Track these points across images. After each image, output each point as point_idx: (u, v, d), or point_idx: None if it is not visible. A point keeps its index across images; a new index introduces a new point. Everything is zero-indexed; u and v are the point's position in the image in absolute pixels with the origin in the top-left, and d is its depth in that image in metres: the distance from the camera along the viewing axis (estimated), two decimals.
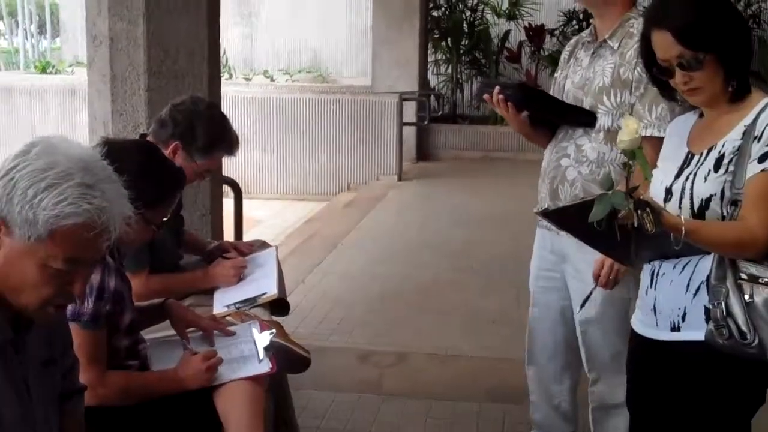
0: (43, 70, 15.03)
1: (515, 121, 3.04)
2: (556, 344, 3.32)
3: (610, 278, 2.85)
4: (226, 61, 14.04)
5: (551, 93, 3.19)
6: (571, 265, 3.09)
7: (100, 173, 1.71)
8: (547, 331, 3.32)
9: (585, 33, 3.18)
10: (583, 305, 2.93)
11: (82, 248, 1.69)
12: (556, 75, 3.25)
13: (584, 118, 3.00)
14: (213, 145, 3.32)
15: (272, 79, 14.65)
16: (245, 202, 5.52)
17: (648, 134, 2.78)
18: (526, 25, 13.95)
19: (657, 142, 2.61)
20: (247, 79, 14.16)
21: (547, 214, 2.49)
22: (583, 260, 2.93)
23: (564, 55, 3.23)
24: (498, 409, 4.12)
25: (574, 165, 3.03)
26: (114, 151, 2.40)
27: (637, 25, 2.87)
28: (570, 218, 2.32)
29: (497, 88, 3.00)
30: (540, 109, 3.07)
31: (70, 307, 2.28)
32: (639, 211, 2.05)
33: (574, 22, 13.73)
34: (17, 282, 1.70)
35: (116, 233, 1.71)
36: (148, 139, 3.30)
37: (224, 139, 3.37)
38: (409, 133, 11.71)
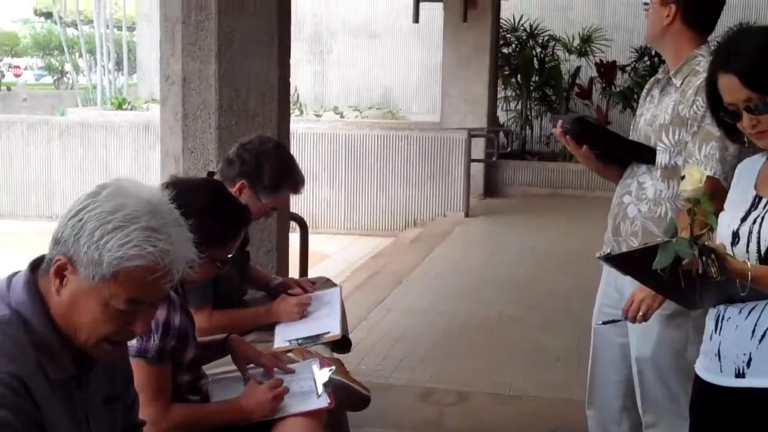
0: (119, 107, 15.45)
1: (580, 155, 3.03)
2: (616, 383, 3.28)
3: (639, 314, 2.82)
4: (297, 98, 14.26)
5: (631, 130, 3.19)
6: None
7: (167, 216, 1.75)
8: (607, 369, 3.28)
9: (661, 74, 3.17)
10: (606, 323, 2.90)
11: (145, 290, 1.73)
12: (638, 113, 3.26)
13: (646, 155, 2.99)
14: (279, 184, 3.39)
15: (342, 116, 14.84)
16: (312, 237, 5.59)
17: None
18: (597, 61, 13.91)
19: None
20: (318, 116, 14.36)
21: (609, 259, 2.48)
22: None
23: (643, 93, 3.22)
24: None
25: (635, 202, 3.01)
26: (182, 189, 2.49)
27: (704, 63, 2.86)
28: (633, 264, 2.31)
29: (559, 122, 3.00)
30: (599, 144, 3.06)
31: (135, 344, 2.36)
32: (704, 258, 2.04)
33: (646, 58, 13.64)
34: (80, 319, 1.75)
35: (179, 275, 1.75)
36: (215, 177, 3.38)
37: (290, 178, 3.43)
38: (477, 169, 11.72)
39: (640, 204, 3.00)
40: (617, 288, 3.14)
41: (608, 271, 3.20)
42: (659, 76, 3.13)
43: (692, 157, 2.82)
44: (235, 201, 2.73)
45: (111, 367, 1.96)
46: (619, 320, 2.87)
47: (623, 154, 3.09)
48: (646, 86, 3.24)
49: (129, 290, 1.71)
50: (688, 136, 2.89)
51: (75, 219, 1.71)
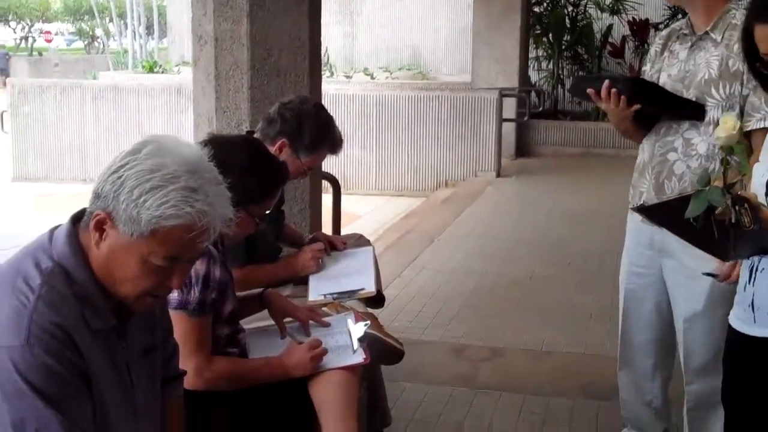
0: (151, 70, 15.51)
1: (621, 115, 3.00)
2: (649, 342, 3.29)
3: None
4: (327, 59, 14.23)
5: None
6: (674, 259, 3.05)
7: (206, 176, 1.77)
8: (641, 328, 3.29)
9: (677, 26, 3.15)
10: (708, 275, 2.82)
11: (182, 247, 1.76)
12: (644, 68, 3.23)
13: (693, 111, 2.96)
14: (318, 144, 3.43)
15: (372, 77, 14.80)
16: (344, 198, 5.62)
17: (763, 126, 2.74)
18: (630, 19, 13.75)
19: None
20: (348, 77, 14.34)
21: (643, 210, 2.49)
22: (687, 254, 2.87)
23: (655, 48, 3.19)
24: (592, 405, 4.11)
25: (683, 159, 2.99)
26: (220, 146, 2.52)
27: (738, 15, 2.84)
28: (667, 214, 2.32)
29: (607, 81, 2.97)
30: (652, 102, 3.02)
31: (176, 296, 2.41)
32: (737, 207, 2.04)
33: (680, 15, 13.43)
34: (119, 273, 1.78)
35: (216, 234, 1.78)
36: (255, 135, 3.41)
37: (329, 138, 3.47)
38: (509, 129, 11.67)
39: (689, 160, 2.97)
40: (652, 245, 3.12)
41: (638, 231, 3.20)
42: (680, 30, 3.10)
43: (760, 110, 2.78)
44: (273, 158, 2.76)
45: (150, 318, 2.00)
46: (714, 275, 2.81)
47: (670, 113, 3.05)
48: (657, 41, 3.20)
49: (166, 248, 1.74)
50: (746, 89, 2.85)
51: (115, 176, 1.74)
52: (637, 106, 2.95)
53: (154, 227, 1.71)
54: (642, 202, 2.94)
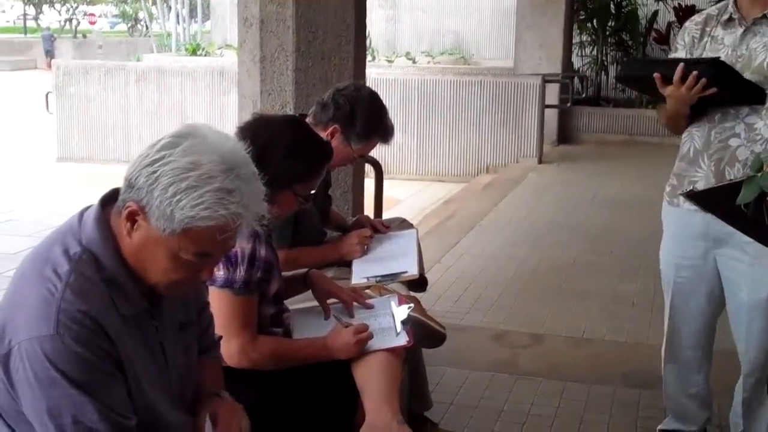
0: (194, 53, 15.62)
1: (689, 100, 2.93)
2: (696, 333, 3.25)
3: None
4: (369, 43, 14.21)
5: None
6: (733, 248, 2.99)
7: (242, 173, 1.75)
8: (689, 321, 3.24)
9: (713, 11, 3.08)
10: None
11: (214, 246, 1.76)
12: (674, 55, 3.14)
13: (756, 96, 2.90)
14: (370, 132, 3.42)
15: (414, 61, 14.78)
16: (384, 182, 5.62)
17: None
18: (676, 5, 13.57)
19: None
20: (390, 61, 14.33)
21: (693, 195, 2.45)
22: (750, 242, 2.81)
23: (692, 35, 3.10)
24: (633, 394, 4.08)
25: (746, 144, 2.93)
26: (265, 126, 2.54)
27: None
28: (717, 200, 2.28)
29: (682, 63, 2.89)
30: (727, 85, 2.94)
31: (222, 275, 2.42)
32: None
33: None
34: (149, 263, 1.79)
35: (248, 228, 1.78)
36: (307, 119, 3.41)
37: (381, 127, 3.46)
38: (551, 115, 11.59)
39: (754, 145, 2.92)
40: (706, 236, 3.06)
41: (688, 222, 3.12)
42: (722, 16, 3.03)
43: None
44: (317, 137, 2.76)
45: (184, 295, 1.99)
46: None
47: (736, 98, 2.97)
48: (693, 27, 3.11)
49: (198, 246, 1.74)
50: None
51: (150, 169, 1.72)
52: (713, 90, 2.88)
53: (186, 226, 1.71)
54: (691, 189, 2.89)
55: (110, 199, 1.84)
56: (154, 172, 1.71)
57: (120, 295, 1.78)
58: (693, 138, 3.08)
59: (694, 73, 2.86)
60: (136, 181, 1.73)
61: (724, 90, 2.92)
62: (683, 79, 2.88)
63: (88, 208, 1.85)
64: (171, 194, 1.69)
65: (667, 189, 3.18)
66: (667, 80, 2.92)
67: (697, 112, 3.04)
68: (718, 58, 2.95)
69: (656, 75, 2.94)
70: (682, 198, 3.07)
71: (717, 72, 2.90)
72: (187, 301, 2.03)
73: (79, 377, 1.68)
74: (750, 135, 2.93)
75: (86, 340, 1.69)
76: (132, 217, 1.75)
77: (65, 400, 1.68)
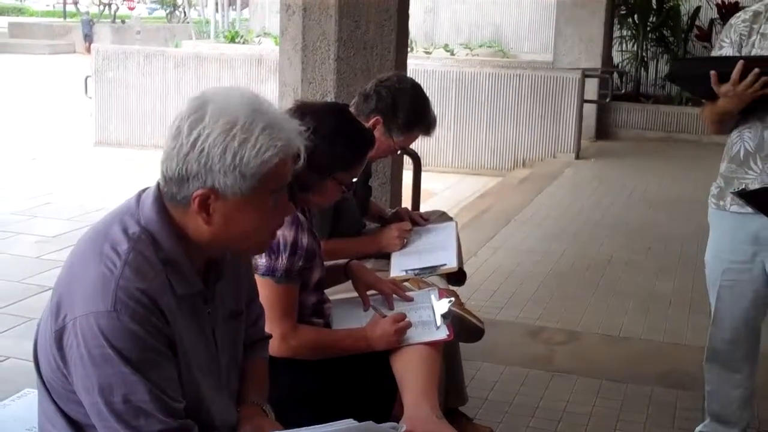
0: (232, 40, 15.65)
1: (746, 99, 2.87)
2: (742, 336, 3.21)
3: None
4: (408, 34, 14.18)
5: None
6: None
7: (268, 108, 1.79)
8: (735, 323, 3.20)
9: (759, 8, 3.00)
10: None
11: (283, 179, 1.81)
12: (718, 53, 3.06)
13: None
14: (412, 124, 3.40)
15: (452, 53, 14.71)
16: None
17: None
18: (719, 2, 13.39)
19: None
20: (428, 53, 14.28)
21: (744, 194, 2.41)
22: None
23: (740, 32, 3.01)
24: (671, 394, 4.04)
25: None
26: (308, 113, 2.52)
27: None
28: None
29: (742, 61, 2.82)
30: None
31: (264, 262, 2.41)
32: None
33: None
34: (243, 232, 1.81)
35: (303, 153, 1.82)
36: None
37: (424, 119, 3.44)
38: (590, 110, 11.48)
39: None
40: (755, 240, 3.02)
41: (737, 225, 3.07)
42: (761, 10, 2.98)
43: None
44: (359, 124, 2.74)
45: (236, 283, 2.01)
46: None
47: None
48: (739, 24, 3.02)
49: (272, 186, 1.78)
50: None
51: (195, 152, 1.72)
52: None
53: (261, 173, 1.73)
54: (742, 188, 2.84)
55: None
56: (201, 150, 1.71)
57: (177, 275, 1.78)
58: (744, 139, 3.02)
59: (756, 70, 2.80)
60: (187, 171, 1.73)
61: None
62: (743, 76, 2.82)
63: (145, 189, 1.85)
64: (231, 157, 1.71)
65: (714, 191, 3.12)
66: (722, 78, 2.87)
67: (745, 111, 2.98)
68: None
69: (713, 73, 2.88)
70: (729, 201, 3.03)
71: None
72: (239, 290, 2.03)
73: (133, 355, 1.68)
74: None
75: (142, 318, 1.69)
76: (204, 204, 1.75)
77: (117, 378, 1.67)
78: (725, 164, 3.09)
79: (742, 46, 3.01)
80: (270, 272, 2.44)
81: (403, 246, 3.45)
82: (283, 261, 2.44)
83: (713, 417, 3.38)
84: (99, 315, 1.67)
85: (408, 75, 3.91)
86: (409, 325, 2.59)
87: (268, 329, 2.27)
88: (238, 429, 1.99)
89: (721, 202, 3.08)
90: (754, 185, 2.93)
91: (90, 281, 1.71)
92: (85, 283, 1.71)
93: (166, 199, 1.80)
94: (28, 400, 2.27)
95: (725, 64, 2.89)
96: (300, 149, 1.80)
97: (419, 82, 3.59)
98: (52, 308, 1.75)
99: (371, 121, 3.30)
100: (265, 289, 2.38)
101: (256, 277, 2.36)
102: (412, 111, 3.37)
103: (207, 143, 1.71)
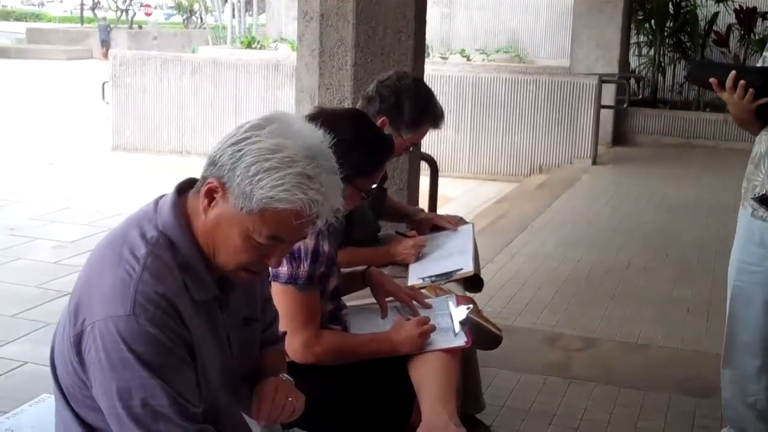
0: (249, 46, 15.68)
1: (744, 108, 2.90)
2: (757, 342, 3.19)
3: None
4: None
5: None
6: None
7: (324, 164, 1.75)
8: (748, 327, 3.19)
9: None
10: None
11: (287, 230, 1.75)
12: (762, 64, 3.08)
13: None
14: (419, 119, 3.38)
15: (469, 59, 14.71)
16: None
17: None
18: (737, 7, 13.33)
19: None
20: (444, 58, 14.26)
21: (762, 199, 2.40)
22: None
23: None
24: (689, 402, 4.01)
25: None
26: (327, 119, 2.51)
27: None
28: None
29: (734, 72, 2.87)
30: None
31: (286, 271, 2.41)
32: None
33: None
34: (220, 242, 1.78)
35: (322, 223, 1.77)
36: None
37: (430, 113, 3.42)
38: (607, 116, 11.45)
39: None
40: (763, 242, 3.03)
41: (749, 227, 3.09)
42: None
43: None
44: (379, 131, 2.74)
45: (251, 291, 2.01)
46: None
47: None
48: None
49: (272, 228, 1.74)
50: None
51: (235, 147, 1.73)
52: (764, 100, 2.84)
53: (264, 207, 1.71)
54: (763, 193, 2.84)
55: (186, 186, 1.86)
56: (239, 150, 1.72)
57: (194, 280, 1.79)
58: (760, 141, 3.04)
59: (741, 82, 2.83)
60: (219, 158, 1.75)
61: None
62: (736, 86, 2.84)
63: (163, 195, 1.86)
64: (253, 173, 1.70)
65: (742, 191, 3.14)
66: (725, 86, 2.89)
67: (765, 117, 2.98)
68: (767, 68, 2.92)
69: (712, 80, 2.92)
70: (749, 201, 3.04)
71: (765, 82, 2.86)
72: (254, 296, 2.03)
73: (152, 359, 1.68)
74: None
75: (161, 322, 1.69)
76: (211, 194, 1.76)
77: (136, 381, 1.67)
78: (748, 165, 3.10)
79: None
80: (292, 280, 2.44)
81: (418, 258, 3.43)
82: (305, 268, 2.44)
83: (731, 425, 3.35)
84: (118, 319, 1.68)
85: (424, 80, 3.90)
86: (434, 328, 2.58)
87: (290, 337, 2.26)
88: (259, 387, 2.00)
89: (745, 202, 3.10)
90: (760, 188, 2.95)
91: (108, 285, 1.71)
92: (104, 287, 1.72)
93: (191, 192, 1.81)
94: (45, 406, 2.27)
95: (723, 72, 2.91)
96: (319, 218, 1.75)
97: (436, 87, 3.59)
98: (70, 313, 1.76)
99: (378, 123, 3.29)
100: (288, 297, 2.38)
101: (277, 285, 2.36)
102: (417, 106, 3.35)
103: (248, 148, 1.72)
